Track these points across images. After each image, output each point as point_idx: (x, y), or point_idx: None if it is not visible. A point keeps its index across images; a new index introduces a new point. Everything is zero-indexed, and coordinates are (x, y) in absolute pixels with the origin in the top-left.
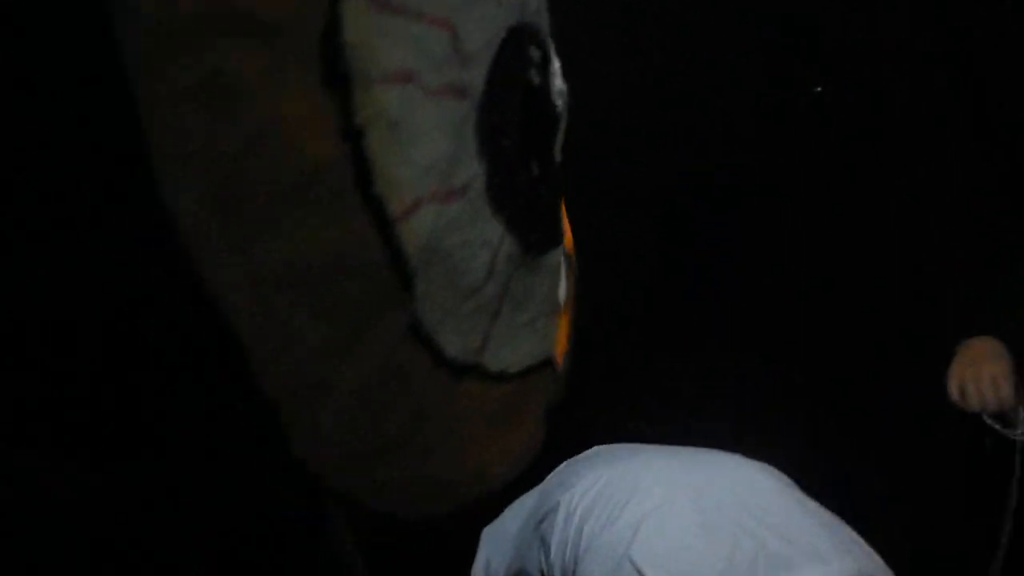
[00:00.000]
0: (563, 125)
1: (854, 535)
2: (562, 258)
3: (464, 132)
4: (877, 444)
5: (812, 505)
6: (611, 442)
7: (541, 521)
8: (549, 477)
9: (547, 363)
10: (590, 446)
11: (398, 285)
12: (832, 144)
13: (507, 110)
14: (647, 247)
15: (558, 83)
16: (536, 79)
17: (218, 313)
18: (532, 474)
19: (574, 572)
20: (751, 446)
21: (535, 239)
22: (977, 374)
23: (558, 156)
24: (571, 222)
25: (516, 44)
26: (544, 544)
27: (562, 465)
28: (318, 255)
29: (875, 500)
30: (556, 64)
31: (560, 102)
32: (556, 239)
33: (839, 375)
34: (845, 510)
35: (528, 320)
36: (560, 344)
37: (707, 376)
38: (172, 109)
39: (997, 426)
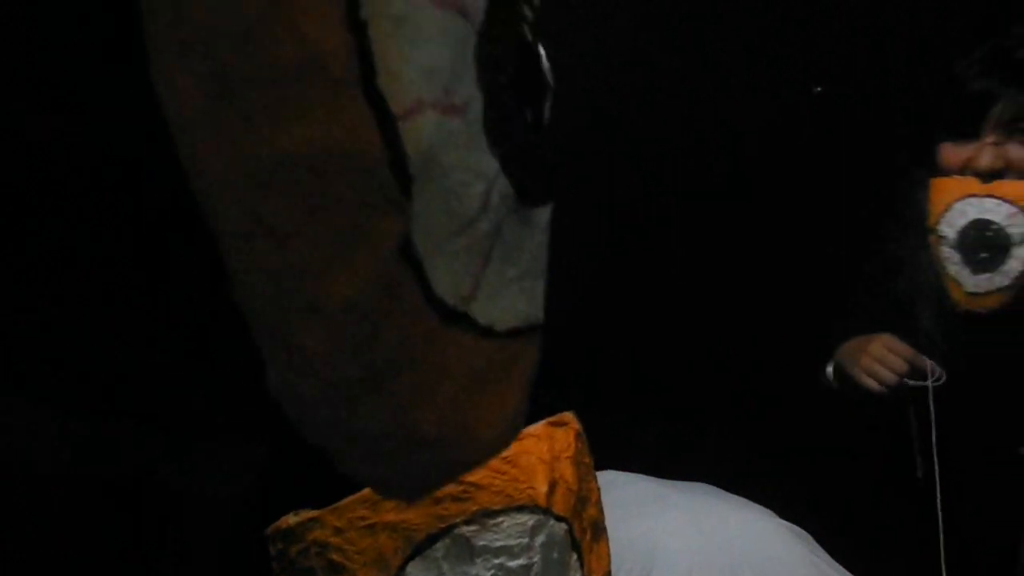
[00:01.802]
0: (552, 96)
1: None
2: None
3: (465, 52)
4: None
5: None
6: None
7: None
8: None
9: (533, 329)
10: None
11: (397, 188)
12: (832, 144)
13: (503, 48)
14: (646, 247)
15: (545, 60)
16: (528, 35)
17: (199, 213)
18: None
19: None
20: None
21: (529, 186)
22: (869, 352)
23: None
24: (571, 222)
25: None
26: None
27: None
28: (315, 150)
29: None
30: (542, 49)
31: (549, 75)
32: (547, 196)
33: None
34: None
35: (517, 276)
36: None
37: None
38: None
39: (910, 382)
